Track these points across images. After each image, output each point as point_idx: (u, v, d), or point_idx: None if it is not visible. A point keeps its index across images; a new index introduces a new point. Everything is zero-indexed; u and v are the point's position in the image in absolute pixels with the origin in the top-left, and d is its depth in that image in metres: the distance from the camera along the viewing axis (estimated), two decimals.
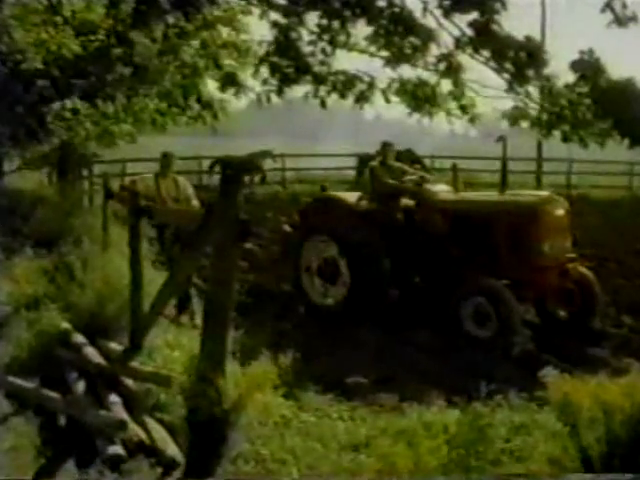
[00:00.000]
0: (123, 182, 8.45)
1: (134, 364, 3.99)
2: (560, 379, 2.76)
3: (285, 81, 3.66)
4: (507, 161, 6.33)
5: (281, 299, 7.12)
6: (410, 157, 19.81)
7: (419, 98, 3.48)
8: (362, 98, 3.48)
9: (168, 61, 5.32)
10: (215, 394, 2.95)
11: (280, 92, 3.73)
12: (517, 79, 2.97)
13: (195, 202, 6.02)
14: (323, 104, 3.76)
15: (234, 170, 3.14)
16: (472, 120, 3.72)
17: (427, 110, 3.57)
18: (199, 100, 6.52)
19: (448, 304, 6.01)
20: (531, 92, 3.20)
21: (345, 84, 3.43)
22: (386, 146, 6.97)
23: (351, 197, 6.83)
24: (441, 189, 6.76)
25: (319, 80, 3.46)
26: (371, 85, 3.51)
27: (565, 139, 3.46)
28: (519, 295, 5.93)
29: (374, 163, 7.06)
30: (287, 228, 7.75)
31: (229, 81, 4.69)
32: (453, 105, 3.65)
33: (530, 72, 2.93)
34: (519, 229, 5.99)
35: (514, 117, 3.44)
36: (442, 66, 3.26)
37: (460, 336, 5.86)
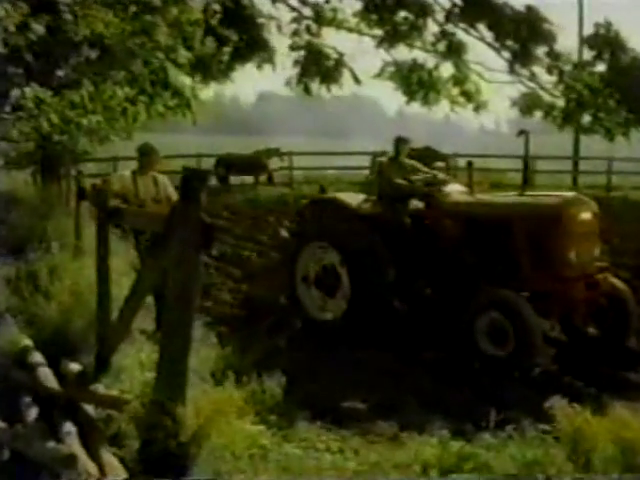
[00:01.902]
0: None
1: (95, 387, 3.86)
2: (570, 410, 2.55)
3: (237, 57, 3.49)
4: (529, 159, 6.11)
5: (276, 312, 7.01)
6: (431, 155, 19.75)
7: (413, 83, 3.29)
8: (328, 77, 3.31)
9: (142, 43, 5.19)
10: (172, 424, 2.80)
11: (229, 68, 3.57)
12: (519, 57, 2.77)
13: None
14: (308, 91, 3.60)
15: (195, 173, 2.99)
16: (477, 108, 3.52)
17: (424, 97, 3.38)
18: (166, 86, 6.39)
19: (460, 319, 5.86)
20: (541, 75, 3.00)
21: (309, 60, 3.25)
22: (400, 142, 6.85)
23: (353, 199, 6.75)
24: (454, 190, 6.64)
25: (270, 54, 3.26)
26: (338, 62, 3.33)
27: (585, 130, 3.24)
28: (541, 309, 5.78)
29: (382, 159, 7.05)
30: (284, 233, 7.67)
31: (200, 65, 4.54)
32: (455, 91, 3.45)
33: (534, 48, 2.71)
34: (541, 234, 5.84)
35: (526, 105, 3.24)
36: (441, 46, 3.07)
37: (473, 355, 5.73)
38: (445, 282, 6.41)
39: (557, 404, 2.64)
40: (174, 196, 5.90)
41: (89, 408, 3.66)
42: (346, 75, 3.57)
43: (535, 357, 5.57)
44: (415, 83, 3.29)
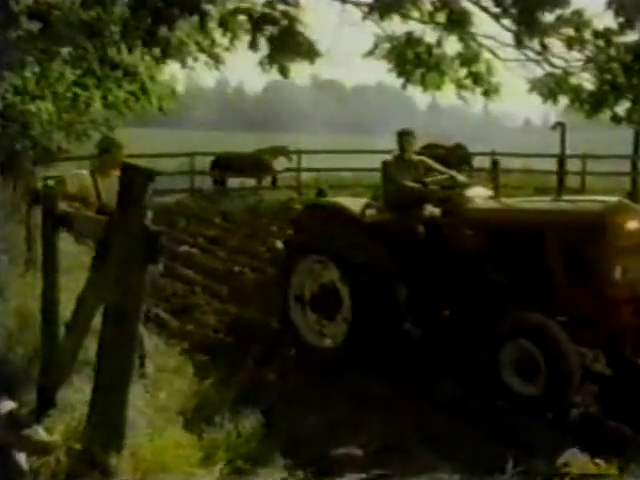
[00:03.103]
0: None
1: (33, 430, 3.72)
2: (589, 466, 2.35)
3: (158, 21, 3.33)
4: (565, 158, 5.94)
5: (267, 338, 6.95)
6: (462, 154, 19.61)
7: (408, 61, 3.12)
8: (308, 54, 3.14)
9: (98, 14, 5.05)
10: (101, 477, 2.64)
11: (152, 35, 3.42)
12: (525, 27, 2.59)
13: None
14: (284, 72, 3.44)
15: (137, 171, 2.85)
16: (487, 93, 3.34)
17: (421, 78, 3.21)
18: (114, 66, 6.27)
19: (483, 347, 5.71)
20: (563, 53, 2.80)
21: (286, 35, 3.10)
22: (404, 136, 6.76)
23: (356, 204, 6.67)
24: (477, 194, 6.52)
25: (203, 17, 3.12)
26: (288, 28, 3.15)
27: (619, 120, 3.04)
28: (580, 337, 5.63)
29: (387, 158, 6.87)
30: (280, 245, 7.59)
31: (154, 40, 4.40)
32: (462, 72, 3.28)
33: (542, 15, 2.53)
34: (579, 247, 5.68)
35: (548, 89, 3.05)
36: (441, 17, 2.91)
37: (496, 391, 5.57)
38: (465, 303, 6.30)
39: (574, 458, 2.43)
40: None
41: (21, 456, 3.53)
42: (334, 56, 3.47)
43: (572, 395, 5.39)
44: (410, 62, 3.15)
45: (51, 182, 5.20)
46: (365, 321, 6.18)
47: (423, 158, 6.96)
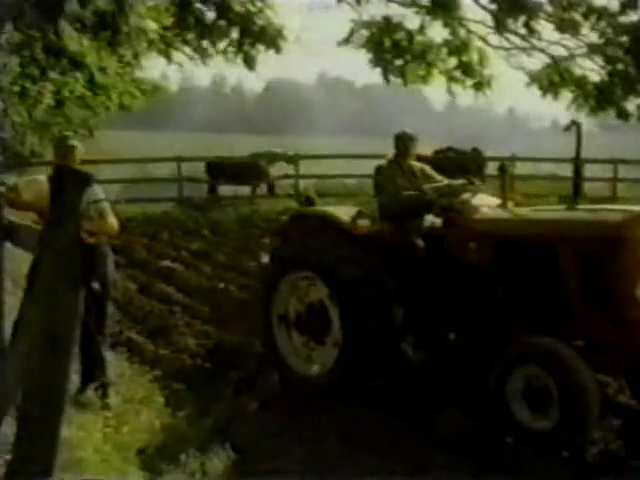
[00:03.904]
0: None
1: None
2: None
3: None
4: (581, 161, 5.84)
5: (249, 364, 6.94)
6: (478, 160, 19.52)
7: (386, 49, 2.99)
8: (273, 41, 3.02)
9: None
10: None
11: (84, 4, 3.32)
12: (506, 5, 2.44)
13: (112, 220, 5.76)
14: (250, 63, 3.33)
15: (71, 175, 2.74)
16: (479, 86, 3.20)
17: (400, 69, 3.07)
18: (57, 54, 6.17)
19: (489, 375, 5.62)
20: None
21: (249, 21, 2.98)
22: (401, 139, 6.76)
23: (348, 214, 6.59)
24: (483, 202, 6.46)
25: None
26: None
27: (627, 116, 2.87)
28: (600, 364, 5.57)
29: (382, 163, 6.85)
30: (266, 259, 7.53)
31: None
32: (452, 62, 3.14)
33: None
34: (597, 263, 5.60)
35: (549, 82, 2.91)
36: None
37: (504, 426, 5.48)
38: (469, 325, 6.24)
39: None
40: (109, 212, 5.79)
41: None
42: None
43: (590, 431, 5.28)
44: (388, 50, 3.00)
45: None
46: (357, 345, 6.12)
47: (423, 166, 6.95)
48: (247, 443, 5.33)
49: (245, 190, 18.64)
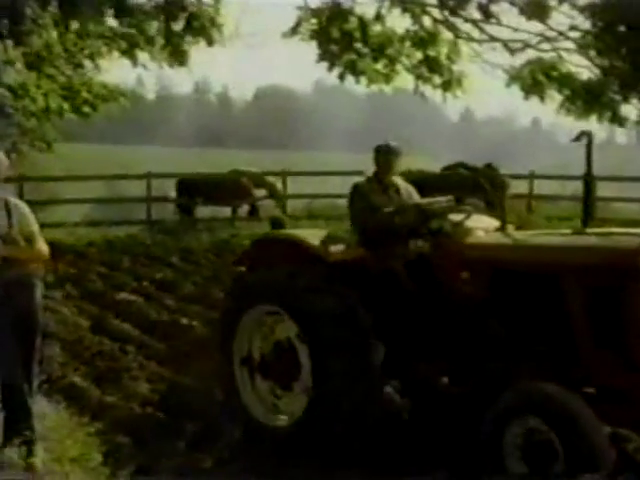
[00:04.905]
0: None
1: None
2: None
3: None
4: (594, 179, 5.79)
5: (208, 413, 6.91)
6: (497, 177, 19.48)
7: (333, 41, 2.88)
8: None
9: None
10: None
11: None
12: None
13: (41, 245, 5.72)
14: (181, 59, 3.21)
15: None
16: (447, 85, 3.08)
17: (351, 66, 2.96)
18: None
19: (483, 427, 5.53)
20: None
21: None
22: (381, 153, 6.77)
23: (319, 237, 6.58)
24: (478, 225, 6.50)
25: None
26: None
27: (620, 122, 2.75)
28: (615, 416, 5.52)
29: (360, 180, 6.87)
30: None
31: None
32: (418, 56, 3.04)
33: None
34: (608, 296, 5.53)
35: (532, 80, 2.79)
36: None
37: None
38: (460, 368, 6.23)
39: None
40: (37, 235, 5.75)
41: None
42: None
43: None
44: (336, 42, 2.89)
45: None
46: (330, 392, 6.10)
47: (408, 185, 7.00)
48: None
49: (225, 212, 18.63)
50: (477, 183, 17.76)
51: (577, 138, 6.28)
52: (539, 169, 22.60)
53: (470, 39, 3.12)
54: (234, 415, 6.66)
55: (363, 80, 3.97)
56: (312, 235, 6.70)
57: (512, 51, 3.26)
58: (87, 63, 12.54)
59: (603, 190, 18.45)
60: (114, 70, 17.62)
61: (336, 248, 6.47)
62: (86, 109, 11.38)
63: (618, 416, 5.55)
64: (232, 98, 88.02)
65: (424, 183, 19.71)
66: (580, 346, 5.67)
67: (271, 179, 18.37)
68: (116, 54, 12.56)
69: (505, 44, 3.26)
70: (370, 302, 6.24)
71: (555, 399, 5.30)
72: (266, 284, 6.51)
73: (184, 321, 9.62)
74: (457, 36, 3.23)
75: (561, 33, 3.11)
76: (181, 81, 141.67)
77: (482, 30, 3.06)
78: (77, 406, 6.92)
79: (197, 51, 11.86)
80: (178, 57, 3.45)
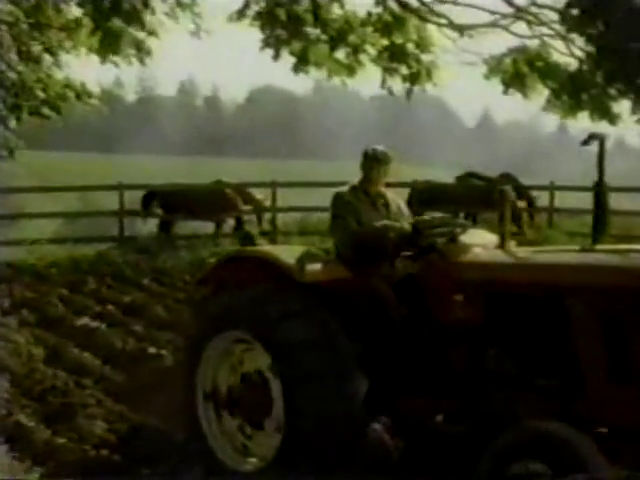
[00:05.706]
0: None
1: None
2: None
3: None
4: (605, 187, 5.76)
5: (170, 456, 6.90)
6: (514, 189, 19.47)
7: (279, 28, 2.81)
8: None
9: None
10: None
11: None
12: None
13: None
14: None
15: None
16: (415, 78, 2.99)
17: (301, 57, 2.88)
18: None
19: (479, 471, 5.52)
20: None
21: None
22: (368, 159, 6.77)
23: (294, 254, 6.55)
24: (476, 241, 6.52)
25: None
26: None
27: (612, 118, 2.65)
28: (626, 457, 5.46)
29: (341, 189, 6.81)
30: None
31: None
32: (384, 43, 2.94)
33: None
34: (620, 321, 5.55)
35: (513, 72, 2.67)
36: None
37: None
38: (454, 403, 6.21)
39: None
40: None
41: None
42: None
43: None
44: (284, 25, 2.78)
45: None
46: (305, 430, 6.06)
47: (397, 198, 7.02)
48: None
49: (208, 227, 18.62)
50: (488, 195, 17.90)
51: (586, 142, 6.25)
52: (565, 178, 22.55)
53: (437, 24, 3.04)
54: (197, 458, 6.61)
55: (322, 72, 3.89)
56: (286, 252, 6.69)
57: (461, 30, 3.20)
58: (46, 57, 12.41)
59: (620, 201, 18.41)
60: (89, 69, 17.69)
61: (313, 267, 6.45)
62: (45, 111, 11.35)
63: (633, 458, 5.49)
64: (222, 101, 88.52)
65: (430, 195, 19.94)
66: (589, 379, 5.66)
67: (258, 194, 18.38)
68: (83, 50, 12.52)
69: (451, 22, 3.20)
70: (352, 329, 6.23)
71: (561, 441, 5.28)
72: (234, 308, 6.46)
73: (152, 350, 9.58)
74: (423, 18, 3.15)
75: (520, 9, 3.05)
76: (165, 80, 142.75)
77: (432, 10, 2.98)
78: (21, 448, 6.89)
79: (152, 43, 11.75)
80: (114, 49, 3.39)
